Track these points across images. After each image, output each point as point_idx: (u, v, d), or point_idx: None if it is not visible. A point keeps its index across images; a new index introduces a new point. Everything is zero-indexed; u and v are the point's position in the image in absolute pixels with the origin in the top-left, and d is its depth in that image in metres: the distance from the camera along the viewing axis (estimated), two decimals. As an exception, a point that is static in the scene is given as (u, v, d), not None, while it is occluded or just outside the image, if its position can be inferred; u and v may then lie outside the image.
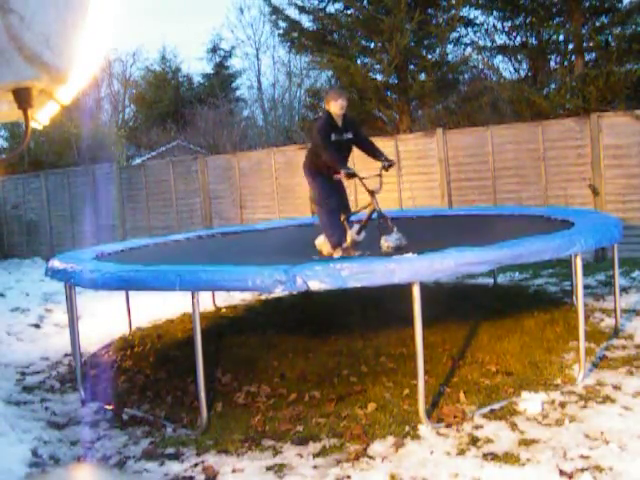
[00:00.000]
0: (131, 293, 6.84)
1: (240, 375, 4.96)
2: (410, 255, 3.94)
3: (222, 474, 3.47)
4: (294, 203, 11.59)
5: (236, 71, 29.11)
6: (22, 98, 1.46)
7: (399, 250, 4.90)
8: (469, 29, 13.03)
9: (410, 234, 5.10)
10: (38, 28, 1.33)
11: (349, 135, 5.61)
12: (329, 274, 3.73)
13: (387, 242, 5.15)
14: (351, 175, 5.26)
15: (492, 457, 3.37)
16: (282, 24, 13.29)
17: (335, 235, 5.49)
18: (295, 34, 13.13)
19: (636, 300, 6.49)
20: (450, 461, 3.37)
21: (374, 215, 5.42)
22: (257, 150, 14.98)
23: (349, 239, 5.58)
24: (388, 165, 5.52)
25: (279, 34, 13.68)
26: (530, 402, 3.98)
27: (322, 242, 5.70)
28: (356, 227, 5.60)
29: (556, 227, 5.08)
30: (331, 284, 3.74)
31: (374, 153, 5.75)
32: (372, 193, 5.45)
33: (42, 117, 1.75)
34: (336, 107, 5.53)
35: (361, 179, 5.35)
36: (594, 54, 11.30)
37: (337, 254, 5.45)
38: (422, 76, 12.04)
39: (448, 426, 3.79)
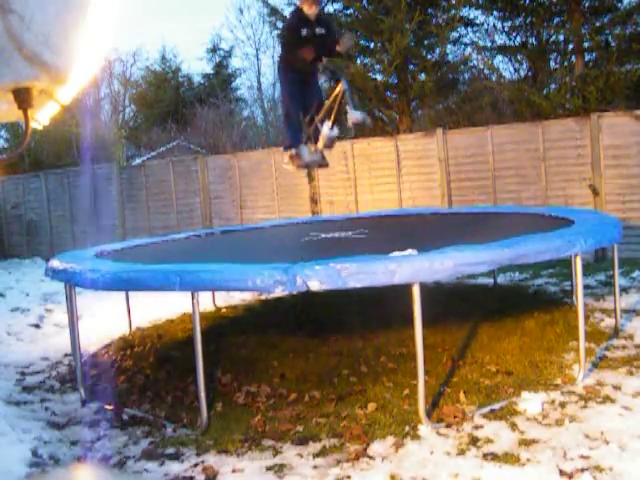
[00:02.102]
0: (131, 293, 6.84)
1: (240, 375, 4.96)
2: (411, 251, 3.93)
3: (222, 474, 3.47)
4: (294, 203, 11.59)
5: (236, 71, 29.13)
6: (22, 98, 1.46)
7: (362, 125, 4.88)
8: (469, 29, 13.04)
9: (410, 233, 5.11)
10: (38, 28, 1.33)
11: (322, 30, 5.47)
12: (329, 274, 3.73)
13: (353, 114, 5.08)
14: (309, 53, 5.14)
15: (492, 457, 3.37)
16: (280, 24, 13.29)
17: (290, 136, 5.41)
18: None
19: (636, 300, 6.49)
20: (450, 461, 3.37)
21: (345, 97, 5.24)
22: (257, 150, 14.99)
23: (322, 139, 5.47)
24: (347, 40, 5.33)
25: (277, 34, 13.68)
26: (530, 402, 3.98)
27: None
28: (328, 123, 5.44)
29: (556, 227, 5.08)
30: (331, 284, 3.74)
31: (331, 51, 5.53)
32: (341, 75, 5.32)
33: (42, 117, 1.74)
34: (307, 9, 5.39)
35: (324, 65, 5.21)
36: (594, 54, 11.30)
37: (285, 158, 5.41)
38: (422, 76, 12.03)
39: (448, 426, 3.79)
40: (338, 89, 5.31)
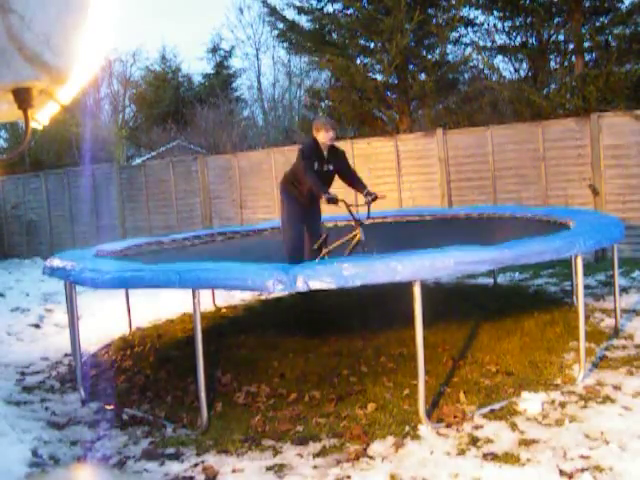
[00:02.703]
0: (131, 293, 6.84)
1: (240, 375, 4.96)
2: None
3: (222, 474, 3.47)
4: (294, 203, 11.57)
5: (236, 71, 29.13)
6: (22, 98, 1.46)
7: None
8: (469, 29, 13.04)
9: (410, 233, 5.11)
10: (38, 28, 1.33)
11: (330, 167, 5.69)
12: (330, 273, 3.73)
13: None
14: (332, 200, 5.26)
15: (492, 457, 3.37)
16: (280, 25, 13.30)
17: (290, 259, 5.53)
18: (293, 35, 13.14)
19: (636, 300, 6.49)
20: (450, 461, 3.37)
21: (359, 247, 5.49)
22: (257, 150, 14.99)
23: None
24: (372, 199, 5.56)
25: (277, 35, 13.69)
26: (530, 402, 3.98)
27: None
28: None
29: (556, 227, 5.09)
30: (332, 283, 3.73)
31: (356, 185, 5.81)
32: (359, 223, 5.47)
33: (42, 117, 1.74)
34: (325, 138, 5.61)
35: (348, 206, 5.38)
36: (594, 54, 11.30)
37: None
38: (422, 76, 12.04)
39: (448, 426, 3.79)
40: (354, 235, 5.55)
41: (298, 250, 5.72)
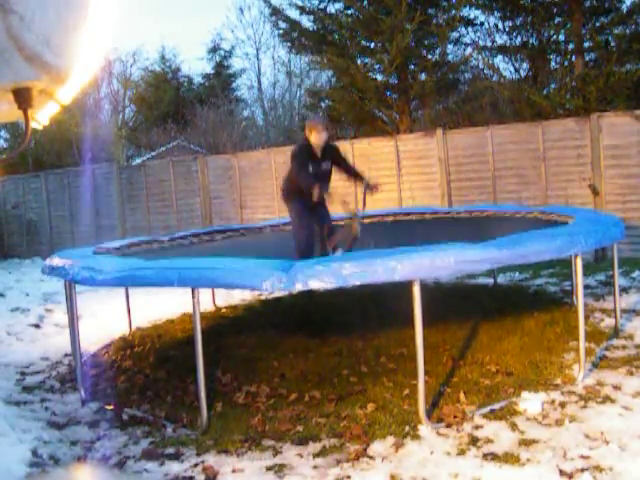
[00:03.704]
0: (131, 292, 6.84)
1: (240, 375, 4.96)
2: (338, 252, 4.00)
3: (222, 474, 3.47)
4: (294, 203, 11.57)
5: (236, 71, 29.13)
6: (22, 98, 1.46)
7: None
8: (469, 29, 13.06)
9: (410, 232, 5.10)
10: (38, 28, 1.33)
11: (327, 165, 5.68)
12: (330, 273, 3.73)
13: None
14: (323, 190, 5.34)
15: (492, 457, 3.37)
16: (282, 24, 13.31)
17: (301, 254, 5.55)
18: (295, 34, 13.14)
19: (636, 300, 6.49)
20: (450, 461, 3.37)
21: (355, 242, 5.52)
22: (257, 150, 14.99)
23: None
24: (370, 189, 5.57)
25: (279, 34, 13.69)
26: (530, 402, 3.98)
27: None
28: (340, 251, 5.62)
29: (556, 227, 5.08)
30: (332, 283, 3.73)
31: (355, 178, 5.84)
32: (355, 216, 5.52)
33: (42, 117, 1.75)
34: (318, 139, 5.61)
35: (344, 203, 5.42)
36: (594, 54, 11.31)
37: None
38: (422, 76, 12.04)
39: (448, 426, 3.79)
40: (352, 229, 5.54)
41: (309, 247, 5.72)
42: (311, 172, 5.59)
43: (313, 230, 5.86)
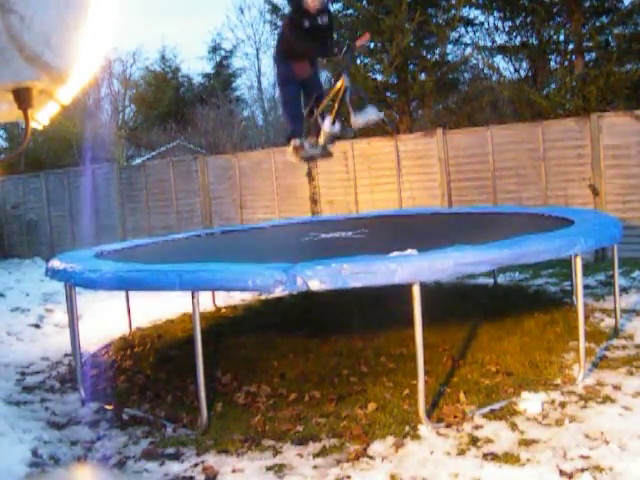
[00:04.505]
0: (131, 293, 6.84)
1: (240, 375, 4.96)
2: (411, 251, 3.92)
3: (222, 474, 3.47)
4: (294, 203, 11.59)
5: (236, 71, 29.13)
6: (22, 98, 1.47)
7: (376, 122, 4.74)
8: (469, 29, 13.03)
9: (410, 233, 5.10)
10: (38, 28, 1.33)
11: (324, 19, 5.23)
12: (329, 274, 3.73)
13: (356, 119, 4.84)
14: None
15: (492, 457, 3.37)
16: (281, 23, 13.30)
17: (290, 126, 5.24)
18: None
19: (636, 300, 6.49)
20: (450, 461, 3.37)
21: (346, 95, 5.02)
22: (257, 150, 14.99)
23: (322, 134, 5.27)
24: (352, 47, 5.10)
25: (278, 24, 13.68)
26: (530, 402, 3.98)
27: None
28: (329, 118, 5.24)
29: (556, 227, 5.08)
30: (331, 284, 3.73)
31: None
32: (343, 69, 5.08)
33: (42, 117, 1.75)
34: (309, 4, 5.14)
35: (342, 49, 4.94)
36: (594, 54, 11.30)
37: (289, 148, 5.28)
38: (422, 76, 12.04)
39: (448, 426, 3.79)
40: (339, 85, 5.11)
41: (296, 115, 5.39)
42: (307, 26, 5.15)
43: (298, 98, 5.42)
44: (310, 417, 4.07)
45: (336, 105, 5.18)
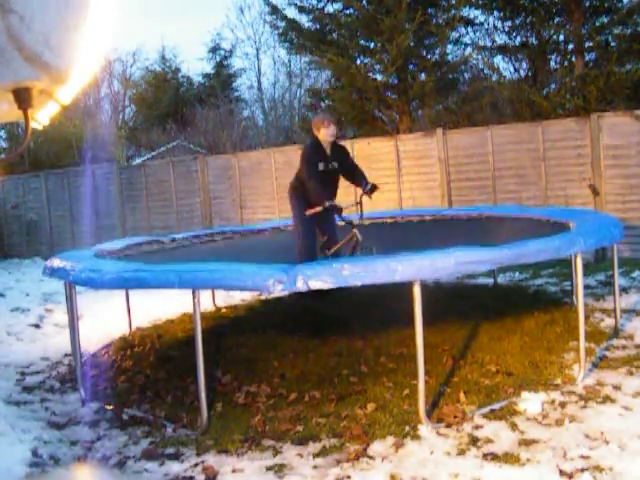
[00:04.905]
0: (131, 293, 6.84)
1: (240, 375, 4.96)
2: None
3: (222, 474, 3.47)
4: (294, 203, 11.57)
5: (236, 71, 29.13)
6: (22, 98, 1.46)
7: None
8: (469, 29, 13.03)
9: (410, 233, 5.10)
10: (38, 28, 1.33)
11: (335, 164, 5.60)
12: (330, 273, 3.73)
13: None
14: (334, 208, 5.29)
15: (492, 457, 3.37)
16: (281, 24, 13.30)
17: (302, 258, 5.50)
18: (294, 34, 13.13)
19: (636, 300, 6.49)
20: (450, 461, 3.37)
21: (357, 247, 5.45)
22: (257, 150, 14.99)
23: None
24: (370, 190, 5.48)
25: (278, 34, 13.68)
26: (530, 402, 3.98)
27: None
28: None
29: (556, 227, 5.09)
30: (332, 283, 3.73)
31: (358, 180, 5.73)
32: (352, 224, 5.47)
33: (42, 117, 1.75)
34: (326, 135, 5.49)
35: (338, 209, 5.32)
36: (594, 54, 11.29)
37: None
38: (422, 76, 12.03)
39: (448, 426, 3.79)
40: (351, 236, 5.51)
41: (310, 251, 5.68)
42: (322, 169, 5.50)
43: (314, 236, 5.80)
44: (310, 417, 4.07)
45: (348, 251, 5.54)
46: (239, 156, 12.66)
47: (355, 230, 5.49)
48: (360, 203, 5.64)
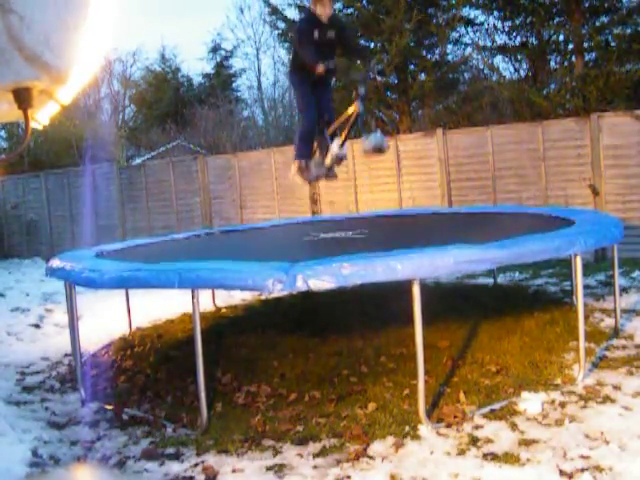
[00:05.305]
0: (131, 293, 6.84)
1: (240, 375, 4.96)
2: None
3: (222, 474, 3.47)
4: (294, 203, 11.59)
5: (236, 71, 29.12)
6: (22, 98, 1.46)
7: (379, 151, 4.81)
8: (469, 29, 13.04)
9: (410, 233, 5.09)
10: (38, 28, 1.33)
11: (332, 33, 5.35)
12: (330, 273, 3.73)
13: (365, 143, 4.98)
14: (329, 67, 5.04)
15: (492, 457, 3.37)
16: (280, 24, 13.31)
17: (300, 150, 5.32)
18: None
19: (636, 300, 6.49)
20: (450, 461, 3.37)
21: (358, 121, 5.13)
22: (257, 150, 14.99)
23: (329, 156, 5.35)
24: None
25: (278, 34, 13.70)
26: (530, 402, 3.98)
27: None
28: (338, 140, 5.32)
29: (556, 227, 5.08)
30: (332, 283, 3.73)
31: (357, 55, 5.55)
32: (358, 96, 5.11)
33: (42, 117, 1.75)
34: (323, 11, 5.26)
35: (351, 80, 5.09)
36: (594, 54, 11.30)
37: (293, 168, 5.35)
38: (422, 76, 12.05)
39: (448, 426, 3.79)
40: (351, 110, 5.18)
41: (305, 140, 5.48)
42: (317, 39, 5.28)
43: (314, 114, 5.49)
44: (310, 417, 4.07)
45: (347, 129, 5.27)
46: (239, 156, 12.67)
47: (357, 102, 5.13)
48: (362, 81, 5.24)
